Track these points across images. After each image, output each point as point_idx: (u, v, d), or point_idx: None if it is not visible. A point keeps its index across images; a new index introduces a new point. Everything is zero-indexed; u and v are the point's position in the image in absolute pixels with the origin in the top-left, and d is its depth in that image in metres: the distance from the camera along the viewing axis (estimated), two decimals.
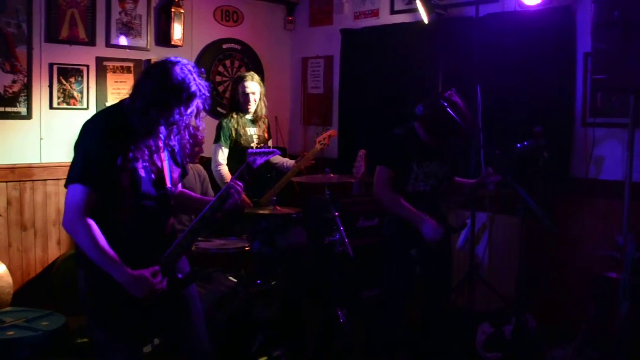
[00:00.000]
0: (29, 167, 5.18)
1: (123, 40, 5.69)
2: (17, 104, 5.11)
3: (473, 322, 4.49)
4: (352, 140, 6.13)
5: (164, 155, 2.81)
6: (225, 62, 6.51)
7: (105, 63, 5.59)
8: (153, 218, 2.77)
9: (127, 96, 2.70)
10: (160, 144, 2.76)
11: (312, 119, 6.88)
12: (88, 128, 2.67)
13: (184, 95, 2.60)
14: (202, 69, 2.74)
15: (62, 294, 5.16)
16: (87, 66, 5.49)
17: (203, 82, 2.69)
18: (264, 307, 3.98)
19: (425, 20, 5.39)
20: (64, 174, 5.40)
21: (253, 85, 5.10)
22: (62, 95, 5.36)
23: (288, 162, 5.41)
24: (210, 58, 6.37)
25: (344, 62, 6.50)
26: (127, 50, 5.73)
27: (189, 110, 2.66)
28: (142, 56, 5.82)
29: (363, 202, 5.11)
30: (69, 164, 2.67)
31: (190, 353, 2.91)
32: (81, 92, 5.47)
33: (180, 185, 3.07)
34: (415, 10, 5.56)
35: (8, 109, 5.07)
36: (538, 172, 4.53)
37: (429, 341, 4.07)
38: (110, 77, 5.62)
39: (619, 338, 3.83)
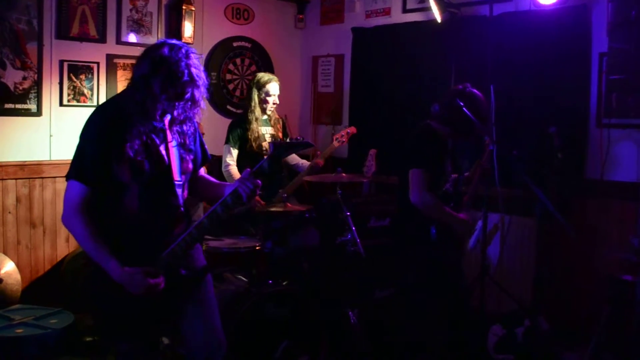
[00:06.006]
0: (38, 164, 5.16)
1: (133, 38, 5.67)
2: (27, 101, 5.09)
3: (484, 323, 4.45)
4: (363, 140, 6.09)
5: (172, 145, 2.73)
6: (235, 60, 6.48)
7: (115, 60, 5.56)
8: (158, 212, 2.69)
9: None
10: (167, 134, 2.70)
11: (322, 118, 6.84)
12: (86, 123, 2.71)
13: (179, 75, 2.55)
14: (202, 54, 2.68)
15: (70, 291, 5.15)
16: (98, 63, 5.47)
17: (199, 66, 2.64)
18: (276, 308, 3.94)
19: (438, 19, 5.35)
20: None
21: (277, 89, 5.20)
22: (72, 92, 5.34)
23: (303, 163, 5.39)
24: (221, 56, 6.33)
25: (355, 61, 6.45)
26: (138, 47, 5.69)
27: (185, 94, 2.59)
28: None
29: (374, 202, 5.09)
30: None
31: (202, 346, 2.81)
32: (91, 90, 5.45)
33: (202, 170, 3.00)
34: (428, 9, 5.51)
35: (18, 106, 5.05)
36: (552, 173, 4.48)
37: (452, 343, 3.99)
38: (121, 75, 5.59)
39: (634, 341, 3.79)
